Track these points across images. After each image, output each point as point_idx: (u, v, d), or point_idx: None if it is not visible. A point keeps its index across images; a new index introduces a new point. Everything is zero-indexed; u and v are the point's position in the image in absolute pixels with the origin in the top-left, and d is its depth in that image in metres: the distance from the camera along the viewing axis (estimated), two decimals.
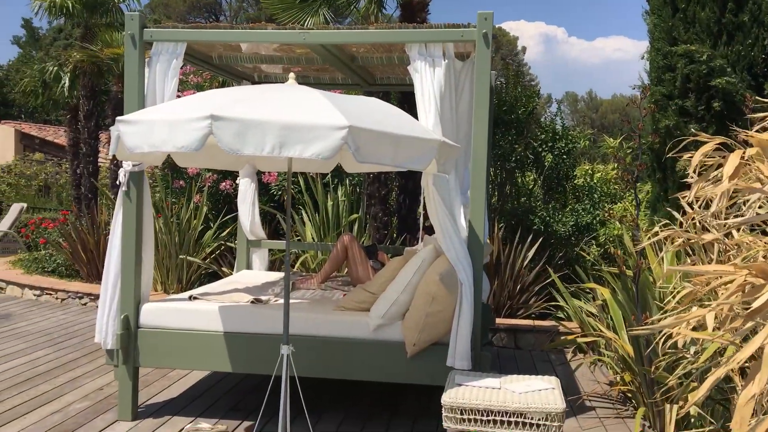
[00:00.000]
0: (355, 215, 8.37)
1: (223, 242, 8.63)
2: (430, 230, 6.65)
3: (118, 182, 4.45)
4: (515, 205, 8.04)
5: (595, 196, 8.10)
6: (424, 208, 6.57)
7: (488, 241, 6.23)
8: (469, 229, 4.19)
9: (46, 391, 4.90)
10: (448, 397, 3.35)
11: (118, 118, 3.34)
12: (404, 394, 5.06)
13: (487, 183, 6.15)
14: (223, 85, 9.24)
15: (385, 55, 5.24)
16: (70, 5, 12.15)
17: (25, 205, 13.14)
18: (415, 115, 4.38)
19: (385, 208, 8.19)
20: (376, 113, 3.42)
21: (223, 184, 8.73)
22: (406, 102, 7.82)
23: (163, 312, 4.43)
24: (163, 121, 3.22)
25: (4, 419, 4.31)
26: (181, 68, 4.74)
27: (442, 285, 4.01)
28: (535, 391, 3.47)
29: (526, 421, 3.27)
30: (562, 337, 5.77)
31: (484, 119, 4.09)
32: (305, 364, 4.23)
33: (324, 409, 4.63)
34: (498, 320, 6.75)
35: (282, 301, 4.64)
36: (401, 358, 4.17)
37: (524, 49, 44.46)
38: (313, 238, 8.22)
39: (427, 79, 4.16)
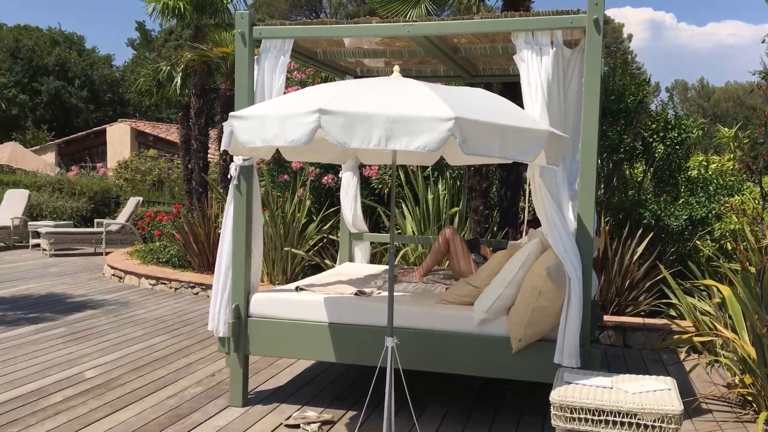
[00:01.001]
0: (455, 209, 8.32)
1: (325, 235, 8.79)
2: (533, 223, 6.51)
3: (229, 176, 4.60)
4: (623, 198, 7.74)
5: (711, 188, 7.68)
6: (527, 201, 6.44)
7: (596, 235, 6.03)
8: (577, 222, 4.06)
9: (162, 375, 5.15)
10: (557, 395, 3.26)
11: (231, 113, 3.45)
12: (505, 389, 4.98)
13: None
14: (326, 80, 9.40)
15: (489, 45, 5.15)
16: (182, 6, 12.71)
17: (140, 198, 13.88)
18: (519, 105, 4.28)
19: (486, 201, 8.09)
20: (482, 104, 3.36)
21: (326, 178, 8.89)
22: (508, 93, 7.68)
23: (272, 302, 4.55)
24: (274, 116, 3.30)
25: (125, 401, 4.56)
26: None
27: (549, 280, 3.91)
28: (650, 392, 3.32)
29: (640, 422, 3.14)
30: (676, 336, 5.50)
31: (594, 108, 3.95)
32: (408, 356, 4.24)
33: (428, 402, 4.63)
34: (605, 317, 6.53)
35: (385, 293, 4.67)
36: (506, 353, 4.10)
37: (630, 36, 42.76)
38: (413, 231, 8.23)
39: (534, 68, 4.05)
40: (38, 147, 29.99)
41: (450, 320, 4.24)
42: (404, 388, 4.05)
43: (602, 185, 7.93)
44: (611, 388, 3.39)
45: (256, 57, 4.54)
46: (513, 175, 7.89)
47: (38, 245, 12.87)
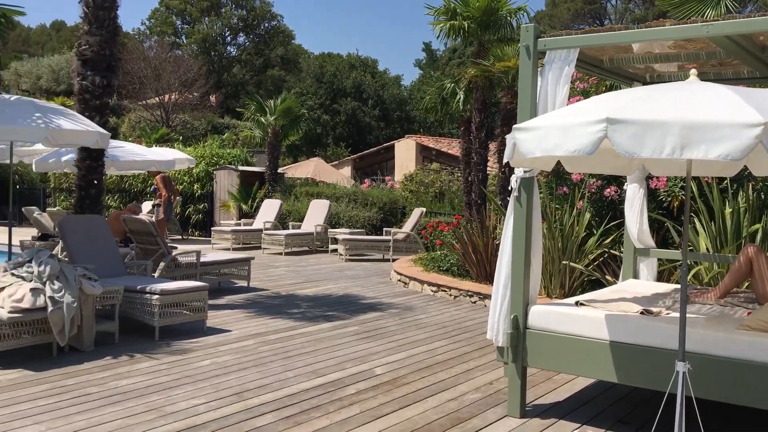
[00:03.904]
0: (757, 225, 7.43)
1: (606, 249, 8.44)
2: None
3: (509, 188, 4.67)
4: None
5: None
6: None
7: None
8: None
9: (443, 379, 5.38)
10: None
11: (515, 126, 3.50)
12: None
13: None
14: (610, 89, 9.05)
15: None
16: (466, 26, 13.22)
17: (424, 209, 14.65)
18: None
19: None
20: None
21: (608, 190, 8.54)
22: None
23: (550, 315, 4.50)
24: (556, 126, 3.28)
25: (410, 399, 4.85)
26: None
27: None
28: None
29: None
30: None
31: None
32: (702, 384, 3.89)
33: None
34: None
35: (674, 314, 4.34)
36: None
37: None
38: (707, 248, 7.53)
39: None
40: (337, 162, 33.28)
41: (754, 349, 3.80)
42: (697, 419, 3.71)
43: None
44: None
45: (539, 69, 4.55)
46: None
47: (336, 250, 14.25)
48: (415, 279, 9.98)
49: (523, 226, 4.54)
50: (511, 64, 11.95)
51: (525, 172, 4.51)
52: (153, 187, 12.48)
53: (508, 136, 3.63)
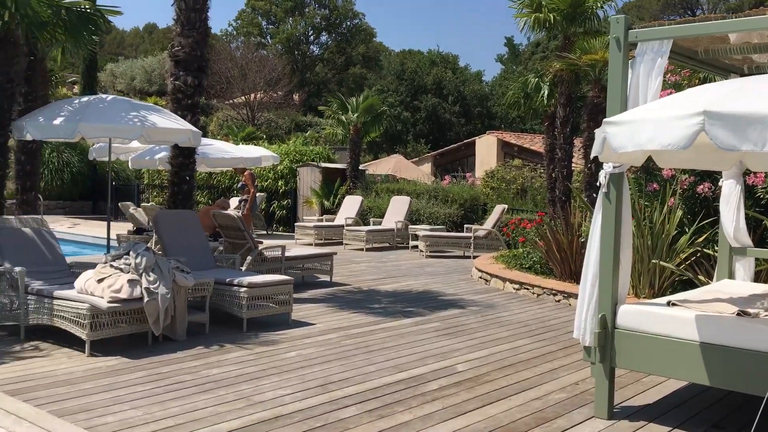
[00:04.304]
0: None
1: (699, 248, 8.11)
2: None
3: (597, 184, 4.55)
4: None
5: None
6: None
7: None
8: None
9: (527, 377, 5.31)
10: None
11: (606, 120, 3.42)
12: None
13: None
14: (703, 81, 8.69)
15: None
16: (552, 18, 12.97)
17: (506, 206, 14.48)
18: None
19: None
20: None
21: (701, 186, 8.20)
22: None
23: (640, 315, 4.37)
24: (648, 120, 3.19)
25: (493, 397, 4.81)
26: None
27: None
28: None
29: None
30: None
31: None
32: None
33: None
34: None
35: None
36: None
37: None
38: None
39: None
40: (417, 159, 33.30)
41: None
42: None
43: None
44: None
45: (630, 61, 4.42)
46: None
47: (416, 246, 14.27)
48: (496, 276, 9.89)
49: (612, 223, 4.43)
50: (598, 56, 11.65)
51: (614, 167, 4.38)
52: (241, 183, 12.85)
53: (597, 131, 3.55)
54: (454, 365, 5.60)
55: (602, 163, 4.31)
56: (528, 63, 45.61)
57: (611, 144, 3.32)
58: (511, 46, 55.35)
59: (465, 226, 14.77)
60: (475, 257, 12.60)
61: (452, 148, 32.78)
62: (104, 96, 7.57)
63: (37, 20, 7.31)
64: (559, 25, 13.21)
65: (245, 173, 14.10)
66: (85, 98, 7.43)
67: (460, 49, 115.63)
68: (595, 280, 4.52)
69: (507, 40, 55.79)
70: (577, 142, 15.42)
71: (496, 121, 42.54)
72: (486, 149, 29.64)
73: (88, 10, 8.07)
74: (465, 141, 32.81)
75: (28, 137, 7.15)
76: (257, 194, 14.88)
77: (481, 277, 10.36)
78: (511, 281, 9.52)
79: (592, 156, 3.92)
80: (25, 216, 7.02)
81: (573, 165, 14.68)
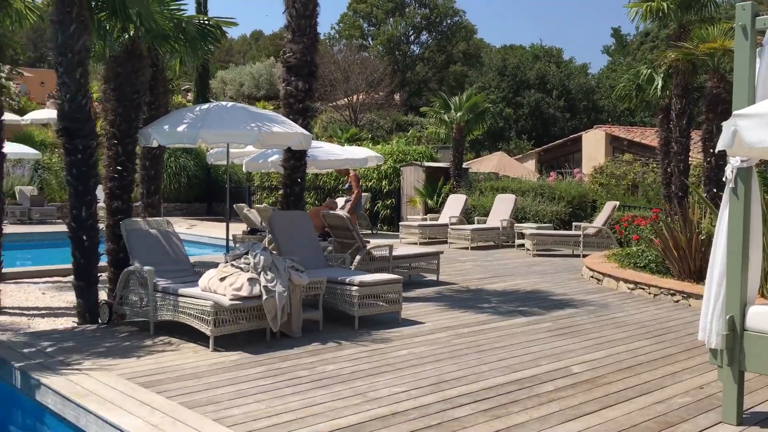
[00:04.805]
0: None
1: None
2: None
3: (724, 179, 4.34)
4: None
5: None
6: None
7: None
8: None
9: (647, 380, 5.13)
10: None
11: (736, 112, 3.26)
12: None
13: None
14: None
15: None
16: (665, 6, 12.43)
17: (617, 203, 14.00)
18: None
19: None
20: None
21: None
22: None
23: None
24: None
25: (612, 400, 4.69)
26: None
27: None
28: None
29: None
30: None
31: None
32: None
33: None
34: None
35: None
36: None
37: None
38: None
39: None
40: (520, 155, 32.76)
41: None
42: None
43: None
44: None
45: (758, 49, 4.18)
46: None
47: (522, 245, 14.05)
48: (609, 276, 9.59)
49: (740, 220, 4.21)
50: (717, 45, 11.05)
51: (742, 161, 4.17)
52: (348, 184, 13.09)
53: (725, 123, 3.39)
54: (569, 366, 5.49)
55: (724, 156, 4.11)
56: (636, 54, 43.88)
57: (744, 138, 3.16)
58: (618, 37, 53.44)
59: (573, 223, 14.40)
60: (584, 256, 12.27)
61: (557, 144, 32.02)
62: (224, 103, 7.92)
63: (160, 33, 7.74)
64: (673, 14, 12.63)
65: (350, 174, 14.38)
66: (205, 106, 7.80)
67: (563, 42, 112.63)
68: (722, 279, 4.32)
69: (614, 30, 53.94)
70: (695, 135, 14.70)
71: (603, 115, 41.16)
72: (593, 144, 28.75)
73: (207, 22, 8.47)
74: (571, 136, 31.96)
75: (155, 144, 7.59)
76: (362, 194, 15.12)
77: (592, 277, 10.08)
78: (626, 281, 9.21)
79: (717, 149, 3.74)
80: (152, 218, 7.46)
81: (690, 159, 14.00)
